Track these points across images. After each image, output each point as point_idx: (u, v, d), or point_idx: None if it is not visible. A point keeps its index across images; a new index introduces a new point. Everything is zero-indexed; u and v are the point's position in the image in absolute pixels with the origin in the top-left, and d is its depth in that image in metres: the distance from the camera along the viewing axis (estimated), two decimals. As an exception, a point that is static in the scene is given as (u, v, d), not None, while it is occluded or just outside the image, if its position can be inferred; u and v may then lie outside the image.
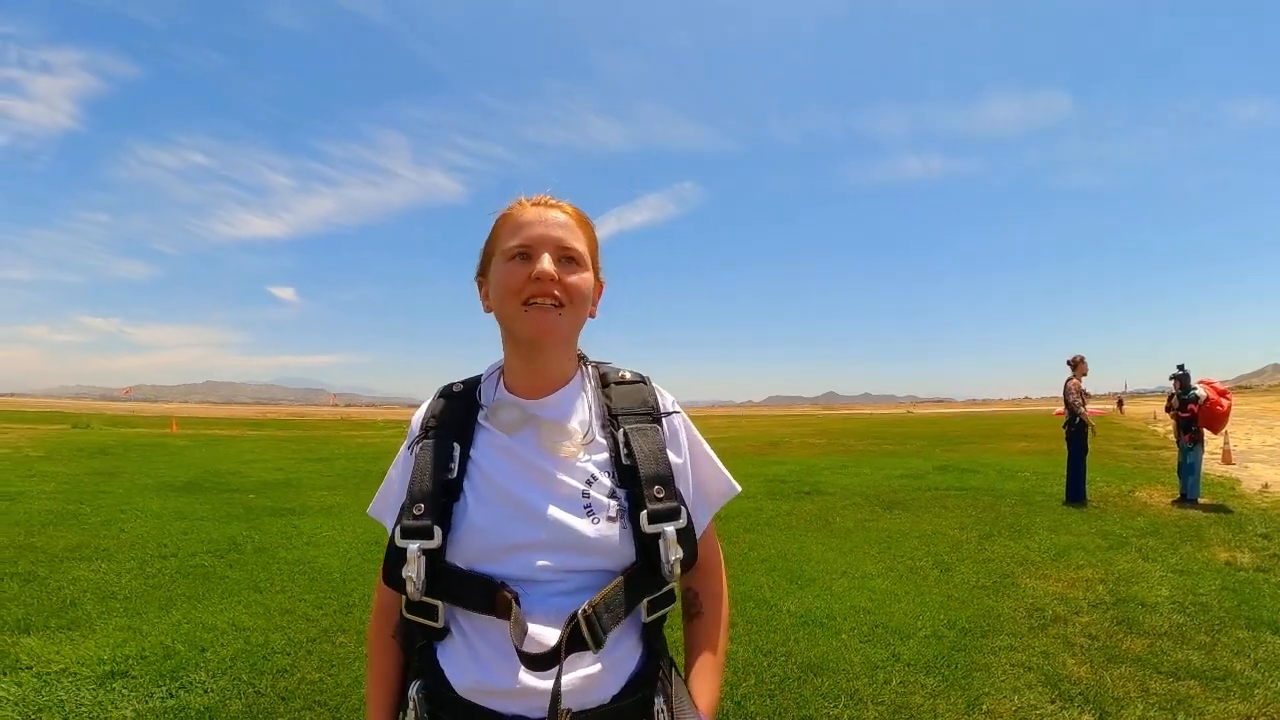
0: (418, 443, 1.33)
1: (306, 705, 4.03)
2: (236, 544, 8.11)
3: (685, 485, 1.37)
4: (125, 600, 5.84)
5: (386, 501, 1.40)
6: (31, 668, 4.41)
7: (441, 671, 1.25)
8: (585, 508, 1.26)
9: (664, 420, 1.39)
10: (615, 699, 1.25)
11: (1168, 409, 12.06)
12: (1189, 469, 11.27)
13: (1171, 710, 4.01)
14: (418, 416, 1.40)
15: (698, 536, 1.37)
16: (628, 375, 1.46)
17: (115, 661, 4.52)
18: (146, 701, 4.01)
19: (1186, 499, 11.13)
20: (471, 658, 1.23)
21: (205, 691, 4.16)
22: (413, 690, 1.27)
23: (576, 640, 1.17)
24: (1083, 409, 11.42)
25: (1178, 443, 11.66)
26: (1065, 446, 11.66)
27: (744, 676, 4.47)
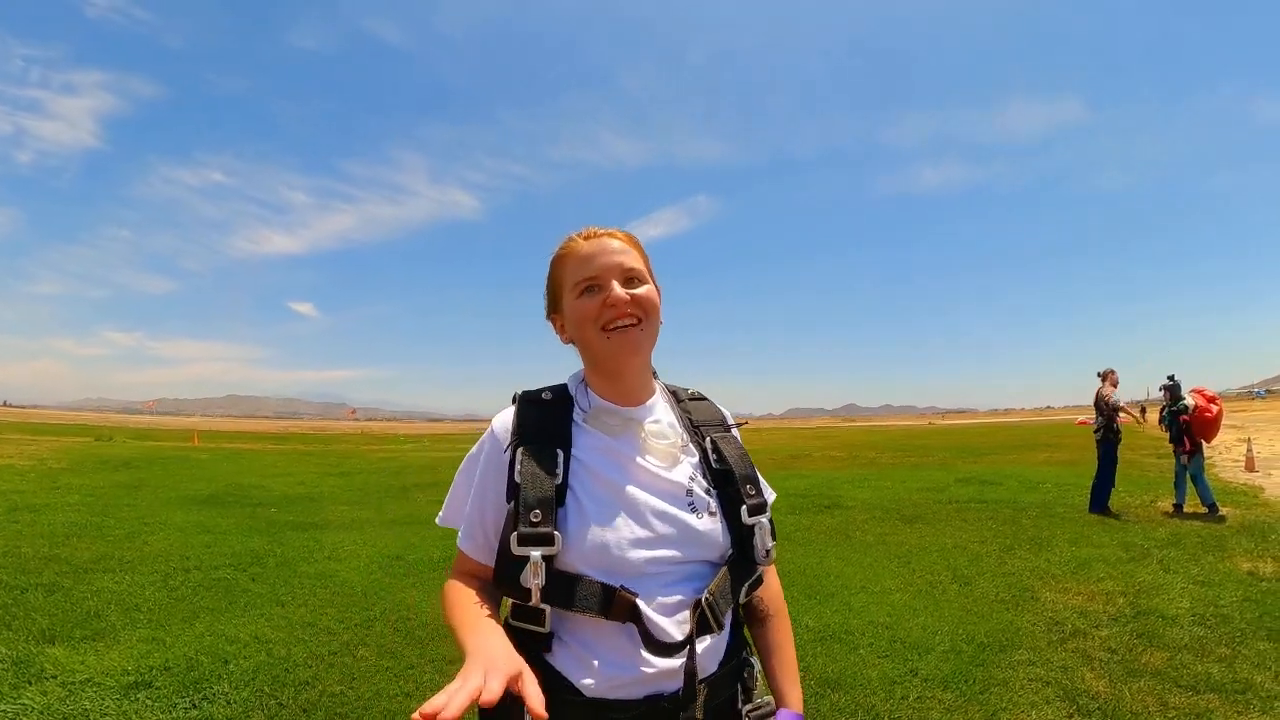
0: (514, 448, 1.38)
1: (328, 717, 4.08)
2: (259, 557, 8.19)
3: None
4: (149, 612, 5.91)
5: (459, 510, 1.47)
6: (56, 677, 4.48)
7: (561, 676, 1.31)
8: (689, 505, 1.39)
9: (732, 431, 1.59)
10: (720, 665, 1.39)
11: (1160, 421, 12.09)
12: (1195, 478, 11.25)
13: (1191, 725, 3.98)
14: (504, 424, 1.44)
15: None
16: (693, 392, 1.64)
17: (139, 672, 4.58)
18: (170, 712, 4.07)
19: (1179, 509, 11.25)
20: (594, 657, 1.30)
21: (228, 703, 4.21)
22: None
23: (704, 626, 1.33)
24: (1117, 415, 11.49)
25: (1175, 454, 11.66)
26: (1095, 455, 11.69)
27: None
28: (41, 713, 3.99)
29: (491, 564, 1.37)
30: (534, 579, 1.25)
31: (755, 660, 1.52)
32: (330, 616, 5.93)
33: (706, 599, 1.32)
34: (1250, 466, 16.92)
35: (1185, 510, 11.12)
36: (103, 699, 4.19)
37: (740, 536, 1.41)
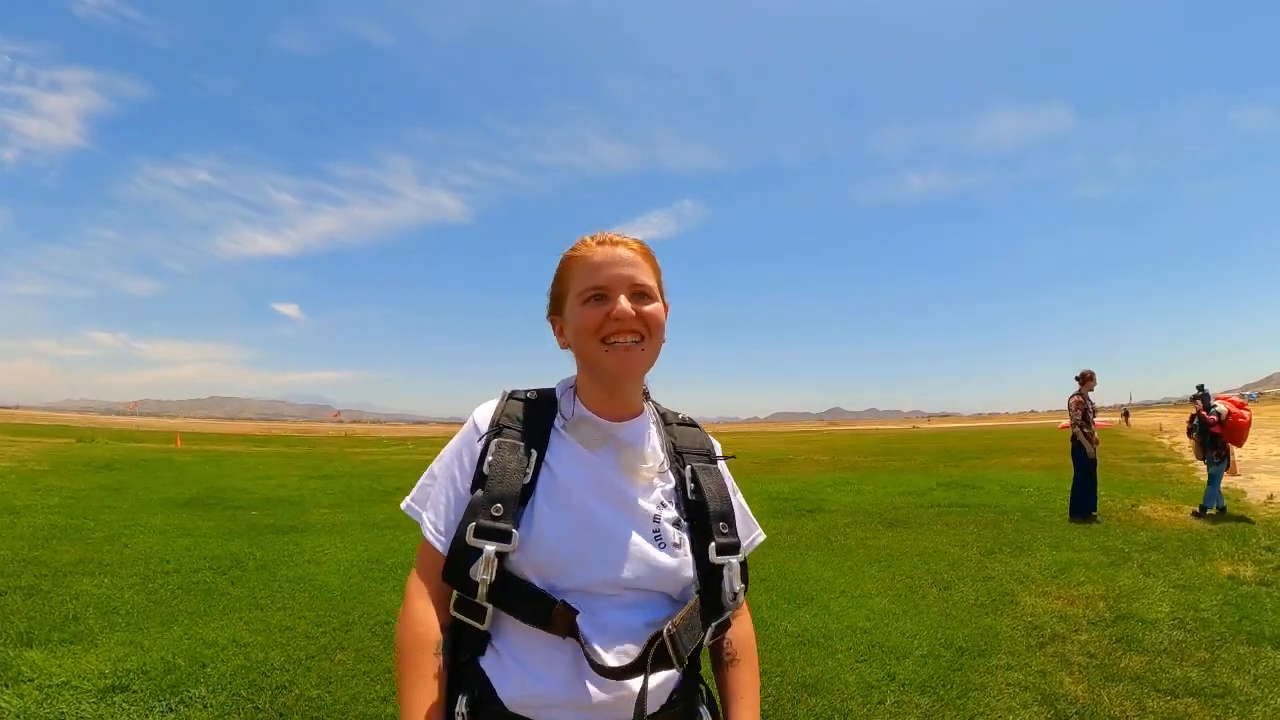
0: (490, 439, 1.35)
1: (304, 721, 4.06)
2: (239, 561, 8.13)
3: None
4: (127, 615, 5.87)
5: (427, 495, 1.42)
6: (33, 680, 4.44)
7: (488, 684, 1.27)
8: (654, 533, 1.34)
9: (717, 464, 1.50)
10: (664, 707, 1.32)
11: (1189, 432, 12.10)
12: (1211, 480, 11.37)
13: (1167, 729, 4.01)
14: (484, 414, 1.42)
15: None
16: (684, 417, 1.57)
17: (116, 676, 4.55)
18: (146, 716, 4.04)
19: (1212, 510, 11.18)
20: (521, 669, 1.26)
21: (205, 707, 4.18)
22: (460, 705, 1.28)
23: (661, 658, 1.26)
24: (1080, 425, 11.40)
25: (1207, 461, 11.69)
26: (1071, 461, 11.68)
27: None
28: (17, 716, 3.96)
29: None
30: (484, 574, 1.21)
31: (705, 710, 1.42)
32: (309, 620, 5.89)
33: (669, 631, 1.26)
34: (1233, 470, 17.04)
35: (1213, 513, 11.07)
36: (79, 702, 4.16)
37: (707, 575, 1.35)
